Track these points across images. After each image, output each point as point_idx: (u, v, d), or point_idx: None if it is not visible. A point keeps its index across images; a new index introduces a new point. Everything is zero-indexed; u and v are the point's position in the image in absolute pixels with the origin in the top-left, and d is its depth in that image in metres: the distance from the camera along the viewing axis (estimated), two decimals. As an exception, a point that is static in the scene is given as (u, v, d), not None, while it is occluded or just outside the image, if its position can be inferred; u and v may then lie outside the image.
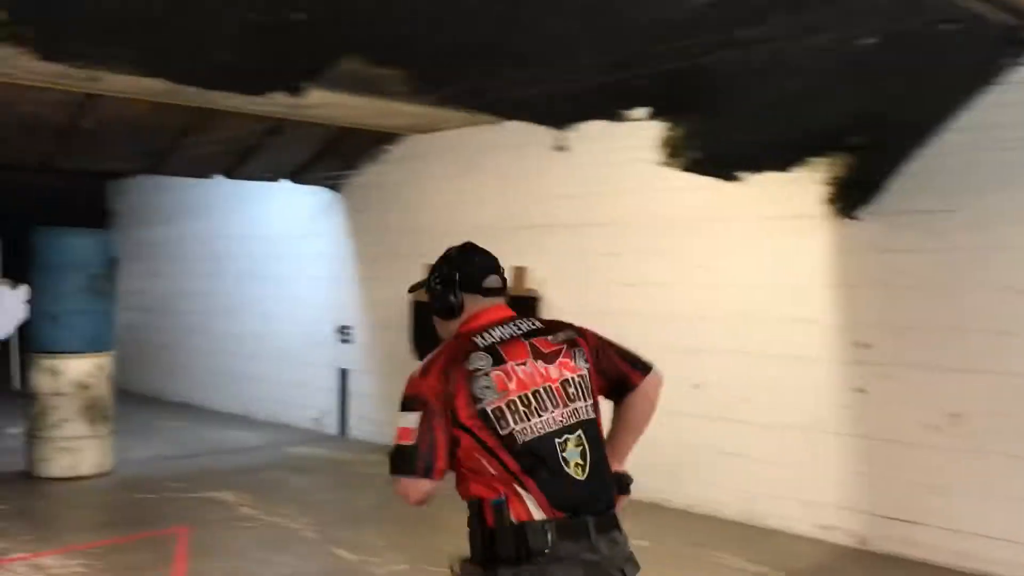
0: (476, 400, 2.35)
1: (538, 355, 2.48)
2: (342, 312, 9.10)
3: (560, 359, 2.50)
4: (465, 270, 2.62)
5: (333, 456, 8.21)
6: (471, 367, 2.39)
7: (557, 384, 2.46)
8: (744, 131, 4.25)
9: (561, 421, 2.42)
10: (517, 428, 2.35)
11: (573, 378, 2.49)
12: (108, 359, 7.33)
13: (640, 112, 4.28)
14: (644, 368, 2.65)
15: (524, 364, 2.44)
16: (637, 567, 2.43)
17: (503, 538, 2.31)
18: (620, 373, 2.62)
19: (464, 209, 7.82)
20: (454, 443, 2.34)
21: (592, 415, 2.50)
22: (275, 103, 6.73)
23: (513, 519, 2.31)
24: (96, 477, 7.17)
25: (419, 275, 6.78)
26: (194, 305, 11.05)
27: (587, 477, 2.41)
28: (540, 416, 2.39)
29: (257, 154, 8.08)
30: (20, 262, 7.31)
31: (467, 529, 2.37)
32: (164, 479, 7.13)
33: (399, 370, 7.66)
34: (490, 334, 2.49)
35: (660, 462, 6.44)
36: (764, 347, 5.99)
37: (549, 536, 2.29)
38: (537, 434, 2.37)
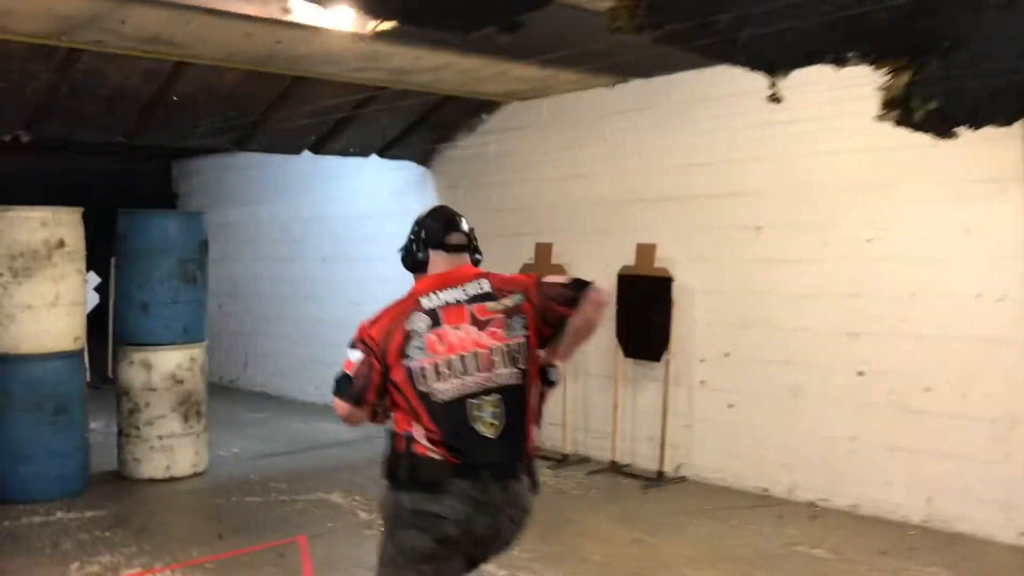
0: (405, 357, 2.66)
1: (474, 321, 2.72)
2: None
3: (491, 327, 2.72)
4: (430, 227, 2.86)
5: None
6: (409, 327, 2.69)
7: (486, 351, 2.70)
8: (979, 75, 3.56)
9: (481, 384, 2.68)
10: (437, 387, 2.65)
11: (500, 347, 2.71)
12: (201, 350, 6.82)
13: (860, 56, 3.60)
14: (578, 299, 2.76)
15: (459, 329, 2.70)
16: (526, 512, 2.75)
17: (402, 464, 2.64)
18: (560, 316, 2.76)
19: (576, 182, 7.18)
20: (387, 384, 2.69)
21: (517, 382, 2.72)
22: (378, 68, 6.16)
23: (415, 451, 2.63)
24: (191, 478, 6.68)
25: (526, 255, 5.98)
26: (271, 290, 10.54)
27: (497, 436, 2.68)
28: (461, 378, 2.67)
29: (348, 127, 7.49)
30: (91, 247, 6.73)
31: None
32: (265, 479, 6.62)
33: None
34: (437, 296, 2.75)
35: (817, 457, 5.81)
36: (944, 328, 5.30)
37: (443, 471, 2.61)
38: (454, 394, 2.65)
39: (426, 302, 2.73)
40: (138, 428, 6.54)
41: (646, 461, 6.76)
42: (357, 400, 2.71)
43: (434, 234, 2.86)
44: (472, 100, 7.47)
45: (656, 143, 6.64)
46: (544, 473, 6.77)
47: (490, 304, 2.76)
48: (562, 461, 7.00)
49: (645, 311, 6.47)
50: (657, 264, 6.46)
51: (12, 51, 5.44)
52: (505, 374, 2.71)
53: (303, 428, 8.66)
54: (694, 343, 6.46)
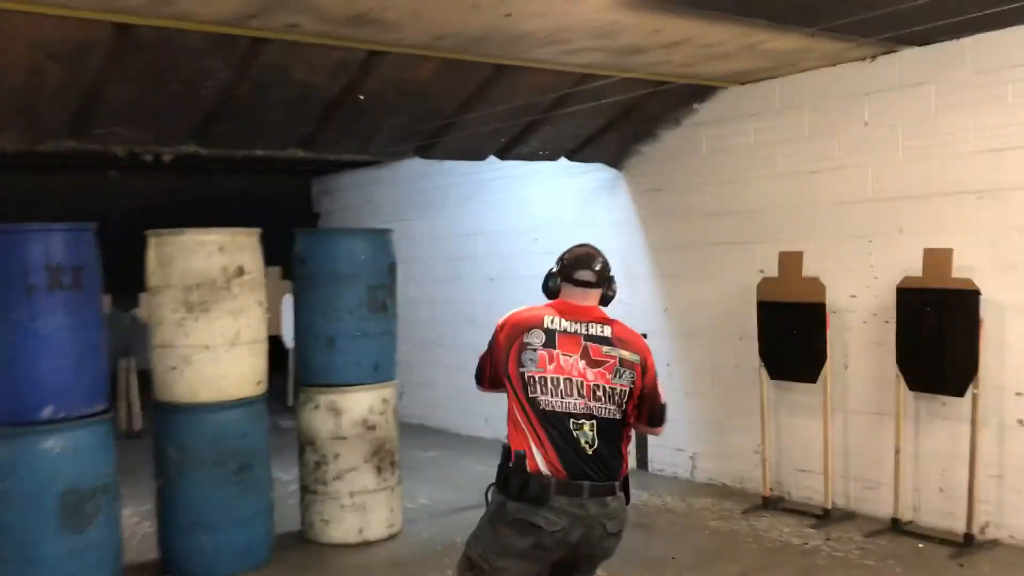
0: (520, 364, 3.06)
1: (585, 356, 3.08)
2: (628, 319, 7.37)
3: (601, 369, 3.08)
4: (565, 261, 3.24)
5: (657, 502, 6.50)
6: (526, 340, 3.09)
7: (589, 384, 3.06)
8: None
9: (581, 409, 3.05)
10: (542, 398, 3.04)
11: (605, 387, 3.08)
12: (393, 390, 5.84)
13: None
14: (654, 423, 3.26)
15: (570, 357, 3.07)
16: (621, 524, 3.10)
17: (513, 480, 3.00)
18: (639, 413, 3.18)
19: (823, 178, 5.97)
20: (503, 380, 3.13)
21: (612, 417, 3.09)
22: (603, 48, 5.09)
23: (527, 468, 2.98)
24: (387, 541, 5.69)
25: (750, 266, 4.93)
26: (428, 313, 9.57)
27: (592, 454, 3.03)
28: (563, 398, 3.04)
29: (541, 128, 6.45)
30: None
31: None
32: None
33: (727, 388, 6.15)
34: (559, 321, 3.12)
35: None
36: None
37: (549, 489, 2.95)
38: (556, 409, 3.03)
39: (548, 322, 3.11)
40: (326, 484, 5.59)
41: (934, 518, 5.49)
42: (478, 380, 3.33)
43: (566, 268, 3.21)
44: (684, 88, 6.34)
45: (941, 125, 5.38)
46: (806, 533, 5.57)
47: (605, 348, 3.10)
48: (824, 517, 5.77)
49: (941, 333, 5.21)
50: (953, 274, 5.20)
51: (188, 45, 4.56)
52: (604, 409, 3.06)
53: (484, 471, 7.58)
54: (1005, 373, 5.18)
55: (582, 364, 3.05)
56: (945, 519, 5.43)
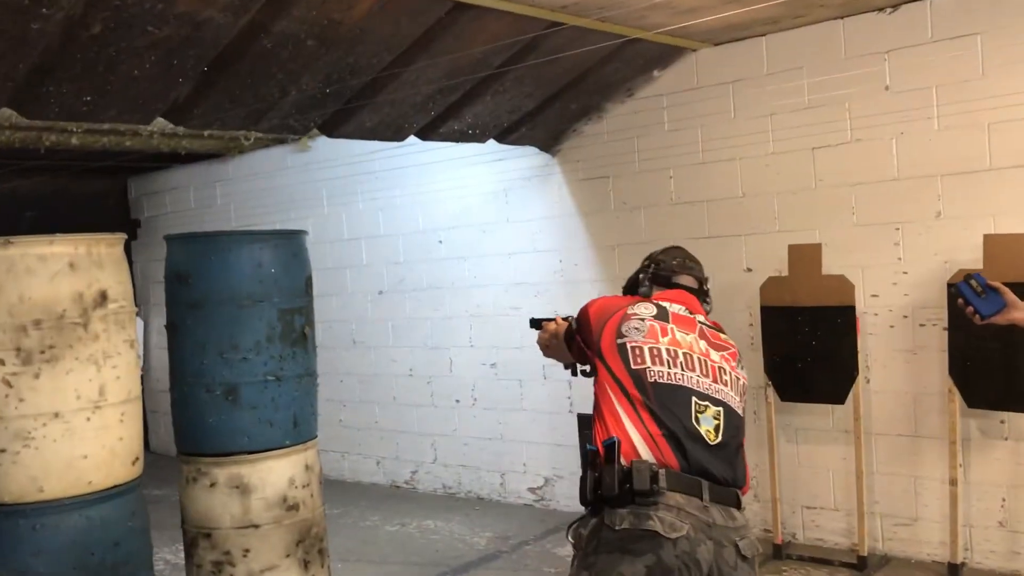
0: (619, 335, 2.53)
1: (704, 337, 2.59)
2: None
3: (724, 354, 2.58)
4: (662, 264, 2.84)
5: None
6: (631, 311, 2.60)
7: (714, 365, 2.52)
8: None
9: (705, 389, 2.45)
10: (653, 368, 2.44)
11: (731, 372, 2.54)
12: (316, 452, 4.27)
13: None
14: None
15: (686, 334, 2.56)
16: (754, 548, 2.36)
17: (605, 478, 2.27)
18: None
19: (829, 155, 4.96)
20: (594, 371, 2.59)
21: (738, 410, 2.51)
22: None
23: (622, 460, 2.29)
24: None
25: (736, 263, 3.80)
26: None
27: (716, 444, 2.37)
28: (683, 371, 2.45)
29: (476, 101, 5.05)
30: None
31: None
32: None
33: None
34: (667, 302, 2.67)
35: None
36: None
37: (659, 480, 2.25)
38: (673, 381, 2.43)
39: (656, 301, 2.68)
40: (232, 593, 3.95)
41: (994, 559, 4.59)
42: (567, 341, 2.86)
43: (665, 271, 2.83)
44: (646, 51, 5.16)
45: (992, 86, 4.48)
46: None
47: (724, 336, 2.68)
48: (860, 566, 4.75)
49: (1012, 340, 4.29)
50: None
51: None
52: (731, 396, 2.51)
53: (399, 532, 6.10)
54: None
55: (703, 344, 2.57)
56: (1009, 560, 4.54)
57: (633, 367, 2.46)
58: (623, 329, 2.54)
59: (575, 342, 2.79)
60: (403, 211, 7.03)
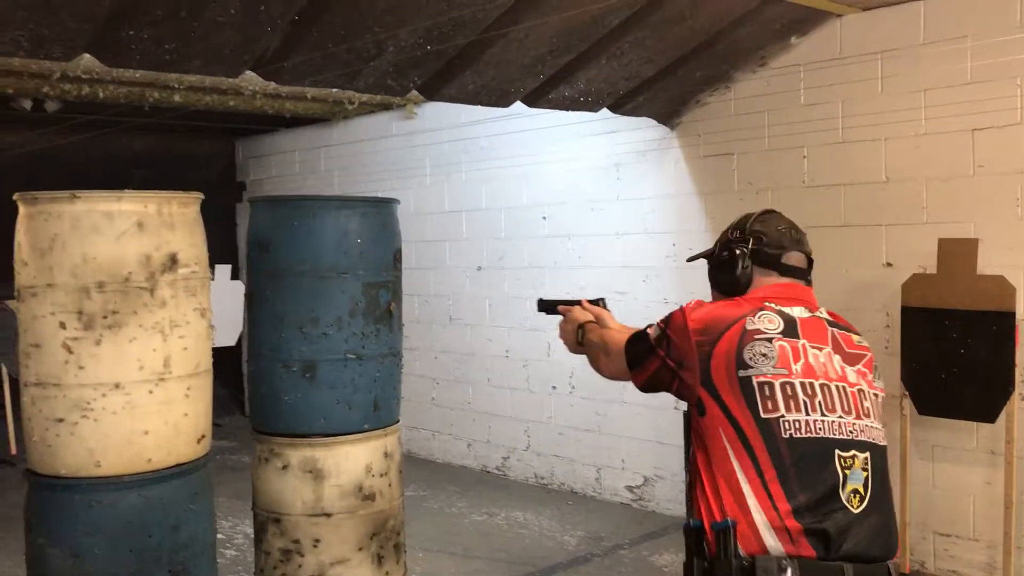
0: (741, 364, 1.96)
1: (839, 350, 2.07)
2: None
3: (860, 367, 2.07)
4: (764, 238, 2.19)
5: None
6: (751, 326, 2.02)
7: (853, 390, 2.02)
8: None
9: (849, 433, 1.95)
10: (788, 417, 1.92)
11: (869, 393, 2.06)
12: (397, 439, 3.96)
13: None
14: None
15: (820, 350, 2.04)
16: None
17: (722, 573, 1.83)
18: None
19: (989, 139, 4.32)
20: (699, 407, 1.99)
21: (883, 443, 2.04)
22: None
23: (741, 551, 1.85)
24: (392, 665, 3.83)
25: (869, 258, 3.42)
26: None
27: (863, 510, 1.90)
28: (823, 415, 1.94)
29: (595, 59, 4.60)
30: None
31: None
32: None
33: None
34: (787, 307, 2.10)
35: None
36: None
37: None
38: (813, 433, 1.92)
39: (774, 306, 2.08)
40: (301, 585, 3.68)
41: None
42: (630, 365, 2.16)
43: (769, 247, 2.18)
44: (786, 13, 4.61)
45: None
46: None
47: (856, 337, 2.13)
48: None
49: None
50: None
51: None
52: (876, 430, 2.01)
53: (486, 521, 5.77)
54: None
55: (837, 360, 2.05)
56: None
57: (763, 415, 1.93)
58: (746, 356, 1.97)
59: (656, 362, 2.09)
60: (507, 184, 6.65)
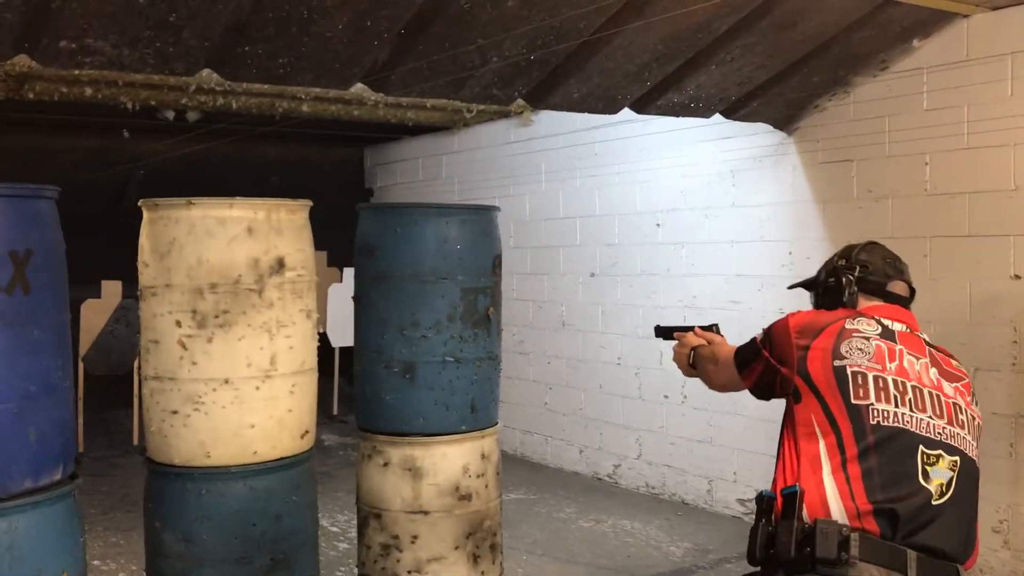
0: (837, 356, 2.10)
1: (936, 364, 2.16)
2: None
3: (959, 385, 2.14)
4: (870, 267, 2.33)
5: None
6: (850, 326, 2.16)
7: (949, 401, 2.09)
8: None
9: (938, 434, 2.02)
10: (877, 406, 2.02)
11: (967, 410, 2.11)
12: (495, 440, 4.03)
13: None
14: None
15: (916, 359, 2.13)
16: None
17: (782, 534, 1.95)
18: None
19: None
20: (795, 395, 2.13)
21: (975, 459, 2.07)
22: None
23: (805, 516, 1.95)
24: (486, 664, 3.90)
25: (996, 270, 3.46)
26: (509, 314, 7.68)
27: (941, 504, 1.94)
28: (912, 411, 2.03)
29: (705, 64, 4.55)
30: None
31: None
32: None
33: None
34: (887, 320, 2.20)
35: None
36: None
37: (849, 548, 1.86)
38: (901, 424, 2.00)
39: (875, 316, 2.21)
40: (397, 579, 3.80)
41: None
42: (739, 367, 2.30)
43: (875, 276, 2.31)
44: (908, 15, 4.43)
45: None
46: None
47: (955, 361, 2.22)
48: None
49: None
50: None
51: None
52: (969, 443, 2.06)
53: (593, 528, 5.77)
54: None
55: (933, 372, 2.13)
56: None
57: (853, 401, 2.04)
58: (842, 348, 2.11)
59: (762, 363, 2.25)
60: (620, 190, 6.64)
